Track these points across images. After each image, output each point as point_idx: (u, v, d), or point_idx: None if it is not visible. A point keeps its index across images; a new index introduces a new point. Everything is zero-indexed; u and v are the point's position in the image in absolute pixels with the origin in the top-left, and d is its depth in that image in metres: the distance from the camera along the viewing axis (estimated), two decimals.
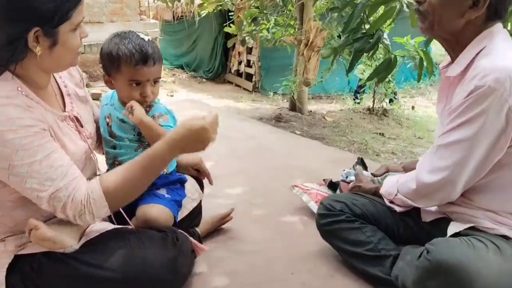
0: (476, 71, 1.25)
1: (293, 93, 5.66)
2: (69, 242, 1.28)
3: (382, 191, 1.61)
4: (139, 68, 1.45)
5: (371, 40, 2.51)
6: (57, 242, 1.25)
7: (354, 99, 7.48)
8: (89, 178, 1.36)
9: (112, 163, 1.59)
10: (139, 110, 1.47)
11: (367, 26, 2.64)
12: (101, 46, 1.54)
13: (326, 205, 1.67)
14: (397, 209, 1.56)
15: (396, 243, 1.57)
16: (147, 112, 1.54)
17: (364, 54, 2.75)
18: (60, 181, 1.19)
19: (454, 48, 1.39)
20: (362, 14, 2.54)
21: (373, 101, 6.57)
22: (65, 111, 1.37)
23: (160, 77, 1.55)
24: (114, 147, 1.57)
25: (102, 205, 1.25)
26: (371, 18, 2.73)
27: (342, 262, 1.71)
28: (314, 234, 1.79)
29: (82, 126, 1.42)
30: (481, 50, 1.30)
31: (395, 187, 1.53)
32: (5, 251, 1.28)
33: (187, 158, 1.82)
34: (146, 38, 1.51)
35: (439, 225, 1.49)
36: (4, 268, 1.27)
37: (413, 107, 7.21)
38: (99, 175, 1.49)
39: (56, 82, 1.42)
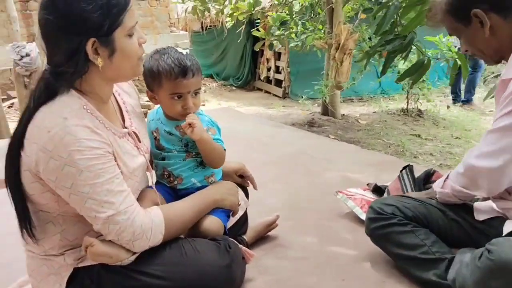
0: None
1: (326, 97, 5.64)
2: (124, 255, 1.30)
3: (434, 185, 1.63)
4: (179, 81, 1.49)
5: (404, 42, 2.49)
6: (113, 257, 1.28)
7: (454, 100, 7.43)
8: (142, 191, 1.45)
9: (162, 174, 1.62)
10: (199, 126, 1.50)
11: (399, 28, 2.62)
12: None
13: (377, 208, 1.66)
14: (452, 199, 1.56)
15: (449, 246, 1.54)
16: None
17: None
18: (120, 205, 1.22)
19: (506, 59, 1.43)
20: (394, 16, 2.52)
21: (407, 102, 6.47)
22: (124, 126, 1.42)
23: (200, 88, 1.59)
24: (163, 159, 1.61)
25: (159, 231, 1.31)
26: (404, 20, 2.71)
27: (393, 267, 1.69)
28: (361, 239, 1.78)
29: (140, 141, 1.46)
30: None
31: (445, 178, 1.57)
32: (64, 264, 1.32)
33: (230, 164, 1.83)
34: (184, 52, 1.55)
35: (493, 224, 1.47)
36: (64, 280, 1.31)
37: (448, 107, 7.05)
38: (150, 186, 1.54)
39: (115, 98, 1.47)
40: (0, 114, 4.52)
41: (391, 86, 7.32)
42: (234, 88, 9.78)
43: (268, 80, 9.06)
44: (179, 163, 1.60)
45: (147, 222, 1.27)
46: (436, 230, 1.57)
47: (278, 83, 8.65)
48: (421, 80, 6.04)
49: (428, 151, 4.74)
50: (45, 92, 1.23)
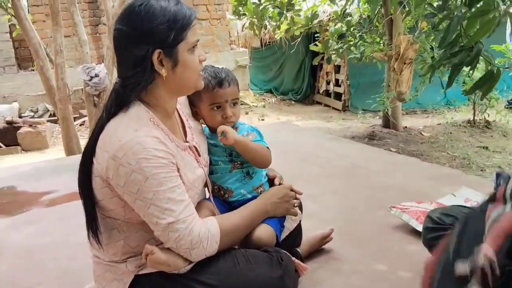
0: None
1: (387, 109, 5.52)
2: (182, 264, 1.35)
3: None
4: (216, 91, 1.58)
5: (470, 53, 2.41)
6: (171, 265, 1.33)
7: None
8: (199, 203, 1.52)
9: (213, 189, 1.67)
10: (231, 131, 1.57)
11: (464, 39, 2.53)
12: None
13: (435, 218, 1.61)
14: None
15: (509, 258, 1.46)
16: None
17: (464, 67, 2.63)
18: (180, 214, 1.28)
19: None
20: (458, 27, 2.45)
21: (474, 113, 6.19)
22: (186, 140, 1.50)
23: (238, 98, 1.66)
24: (211, 173, 1.67)
25: (215, 241, 1.34)
26: (469, 31, 2.62)
27: None
28: (417, 252, 1.73)
29: (200, 155, 1.53)
30: None
31: None
32: (126, 271, 1.40)
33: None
34: (220, 67, 1.64)
35: None
36: (126, 286, 1.39)
37: None
38: (207, 198, 1.60)
39: (179, 114, 1.57)
40: (72, 131, 4.85)
41: (456, 96, 7.04)
42: (293, 102, 9.81)
43: (327, 93, 9.01)
44: (226, 175, 1.65)
45: (204, 232, 1.32)
46: None
47: (338, 96, 8.58)
48: None
49: (497, 164, 4.50)
50: (115, 103, 1.35)
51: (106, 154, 1.28)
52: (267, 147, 1.64)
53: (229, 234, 1.40)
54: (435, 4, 2.97)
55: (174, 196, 1.28)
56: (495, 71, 2.60)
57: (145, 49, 1.28)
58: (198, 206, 1.53)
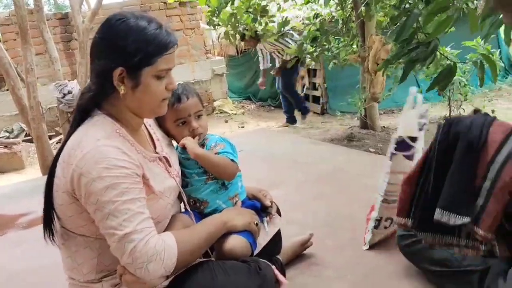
0: None
1: (360, 110, 5.56)
2: (158, 280, 1.33)
3: None
4: (176, 107, 1.59)
5: (426, 49, 2.43)
6: (147, 282, 1.30)
7: None
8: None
9: (188, 202, 1.65)
10: (189, 144, 1.59)
11: (420, 36, 2.57)
12: None
13: None
14: None
15: (483, 256, 1.48)
16: (203, 147, 1.66)
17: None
18: (137, 225, 1.24)
19: None
20: (416, 24, 2.48)
21: (449, 108, 6.27)
22: (156, 152, 1.49)
23: (201, 110, 1.67)
24: (186, 185, 1.66)
25: (173, 253, 1.28)
26: (427, 28, 2.65)
27: (430, 282, 1.64)
28: (398, 255, 1.73)
29: (170, 166, 1.52)
30: None
31: None
32: None
33: (248, 189, 1.83)
34: (177, 83, 1.62)
35: None
36: None
37: (493, 111, 6.76)
38: (184, 212, 1.58)
39: (147, 129, 1.56)
40: (47, 150, 4.75)
41: (433, 93, 7.13)
42: (272, 108, 9.81)
43: (306, 97, 9.05)
44: (202, 187, 1.65)
45: (160, 244, 1.27)
46: None
47: (316, 99, 8.63)
48: (463, 85, 5.88)
49: None
50: (78, 114, 1.36)
51: (70, 166, 1.26)
52: (232, 159, 1.63)
53: (187, 246, 1.35)
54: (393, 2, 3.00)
55: (134, 208, 1.25)
56: (452, 67, 2.64)
57: (108, 64, 1.28)
58: (173, 219, 1.51)
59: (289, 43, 6.08)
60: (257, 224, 1.60)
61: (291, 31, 6.15)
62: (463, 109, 6.21)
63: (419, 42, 2.50)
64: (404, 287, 1.67)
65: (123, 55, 1.27)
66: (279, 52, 6.49)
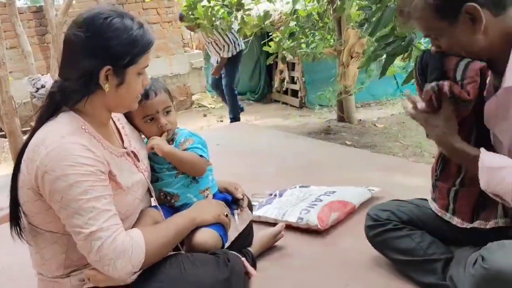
0: None
1: (330, 103, 5.62)
2: (126, 276, 1.32)
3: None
4: (144, 103, 1.57)
5: (403, 44, 2.48)
6: (115, 280, 1.30)
7: None
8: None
9: (159, 197, 1.66)
10: (157, 143, 1.58)
11: (398, 30, 2.61)
12: None
13: (373, 215, 1.66)
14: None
15: (447, 245, 1.53)
16: (172, 142, 1.66)
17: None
18: (104, 223, 1.24)
19: (496, 60, 1.28)
20: (393, 18, 2.52)
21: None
22: (124, 147, 1.49)
23: (169, 106, 1.66)
24: (157, 180, 1.66)
25: (140, 250, 1.29)
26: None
27: (397, 271, 1.68)
28: (367, 245, 1.77)
29: (139, 161, 1.52)
30: None
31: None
32: (70, 286, 1.37)
33: (220, 183, 1.84)
34: None
35: None
36: None
37: None
38: (154, 207, 1.59)
39: (115, 123, 1.55)
40: (20, 145, 4.68)
41: (409, 87, 7.23)
42: (251, 102, 9.81)
43: (284, 91, 9.08)
44: (172, 181, 1.65)
45: (128, 241, 1.28)
46: (433, 231, 1.56)
47: (295, 93, 8.66)
48: None
49: None
50: (47, 109, 1.34)
51: (34, 163, 1.25)
52: (201, 155, 1.64)
53: (155, 242, 1.35)
54: None
55: (99, 206, 1.25)
56: None
57: (95, 63, 1.28)
58: (142, 214, 1.51)
59: (227, 37, 5.65)
60: (227, 216, 1.62)
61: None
62: None
63: (396, 36, 2.54)
64: (373, 276, 1.71)
65: (112, 55, 1.28)
66: (217, 45, 5.82)
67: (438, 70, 1.31)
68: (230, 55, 5.81)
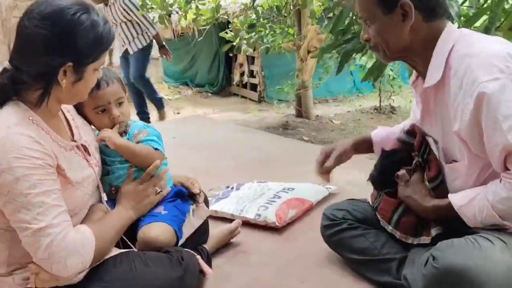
0: (464, 70, 1.20)
1: (289, 98, 5.66)
2: (73, 275, 1.26)
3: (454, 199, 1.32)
4: (95, 94, 1.50)
5: (361, 41, 2.49)
6: (62, 279, 1.25)
7: None
8: None
9: (110, 191, 1.58)
10: (109, 138, 1.51)
11: (356, 27, 2.62)
12: None
13: (329, 215, 1.66)
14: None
15: (402, 245, 1.54)
16: (125, 134, 1.59)
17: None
18: (54, 219, 1.19)
19: (417, 61, 1.38)
20: (352, 15, 2.53)
21: (380, 99, 6.52)
22: (74, 140, 1.42)
23: (122, 97, 1.60)
24: (108, 173, 1.58)
25: (91, 247, 1.26)
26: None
27: (351, 269, 1.69)
28: (322, 243, 1.77)
29: (90, 155, 1.46)
30: (451, 50, 1.27)
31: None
32: (13, 285, 1.30)
33: (175, 177, 1.79)
34: None
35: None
36: None
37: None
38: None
39: (64, 115, 1.47)
40: None
41: (365, 84, 7.37)
42: (210, 94, 9.72)
43: (244, 85, 9.04)
44: (124, 175, 1.58)
45: (78, 237, 1.23)
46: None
47: (254, 87, 8.64)
48: (391, 78, 6.14)
49: None
50: None
51: None
52: (156, 148, 1.58)
53: (102, 240, 1.32)
54: None
55: (48, 201, 1.19)
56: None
57: (58, 61, 1.22)
58: (90, 209, 1.44)
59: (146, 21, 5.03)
60: (159, 193, 1.58)
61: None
62: (393, 100, 6.49)
63: (355, 33, 2.55)
64: (326, 274, 1.72)
65: (76, 53, 1.24)
66: (139, 26, 5.08)
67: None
68: (148, 41, 5.25)
